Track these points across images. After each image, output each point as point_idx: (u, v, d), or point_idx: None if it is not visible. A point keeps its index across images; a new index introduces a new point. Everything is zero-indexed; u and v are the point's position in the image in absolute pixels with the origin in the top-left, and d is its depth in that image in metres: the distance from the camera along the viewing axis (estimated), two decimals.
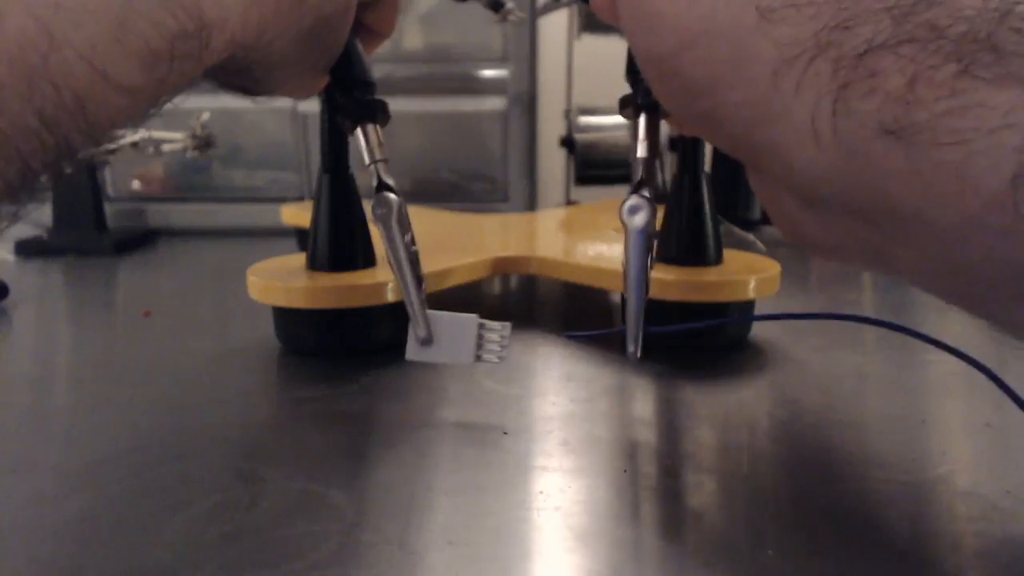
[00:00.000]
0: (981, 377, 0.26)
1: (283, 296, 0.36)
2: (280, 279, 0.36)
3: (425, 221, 0.60)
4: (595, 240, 0.49)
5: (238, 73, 0.25)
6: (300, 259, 0.39)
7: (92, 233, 0.70)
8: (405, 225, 0.29)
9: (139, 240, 0.74)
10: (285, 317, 0.38)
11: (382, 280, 0.36)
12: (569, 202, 0.90)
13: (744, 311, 0.38)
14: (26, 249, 0.67)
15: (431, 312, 0.29)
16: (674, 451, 0.26)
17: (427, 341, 0.29)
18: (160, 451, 0.27)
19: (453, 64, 0.84)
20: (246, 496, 0.23)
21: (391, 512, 0.22)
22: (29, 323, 0.47)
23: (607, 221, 0.58)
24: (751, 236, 0.69)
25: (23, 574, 0.20)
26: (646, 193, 0.24)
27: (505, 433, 0.28)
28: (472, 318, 0.30)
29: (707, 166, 0.40)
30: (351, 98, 0.29)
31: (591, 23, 0.84)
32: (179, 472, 0.25)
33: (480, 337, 0.30)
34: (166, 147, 0.73)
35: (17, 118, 0.17)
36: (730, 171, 0.82)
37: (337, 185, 0.38)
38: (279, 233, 0.68)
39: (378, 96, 0.30)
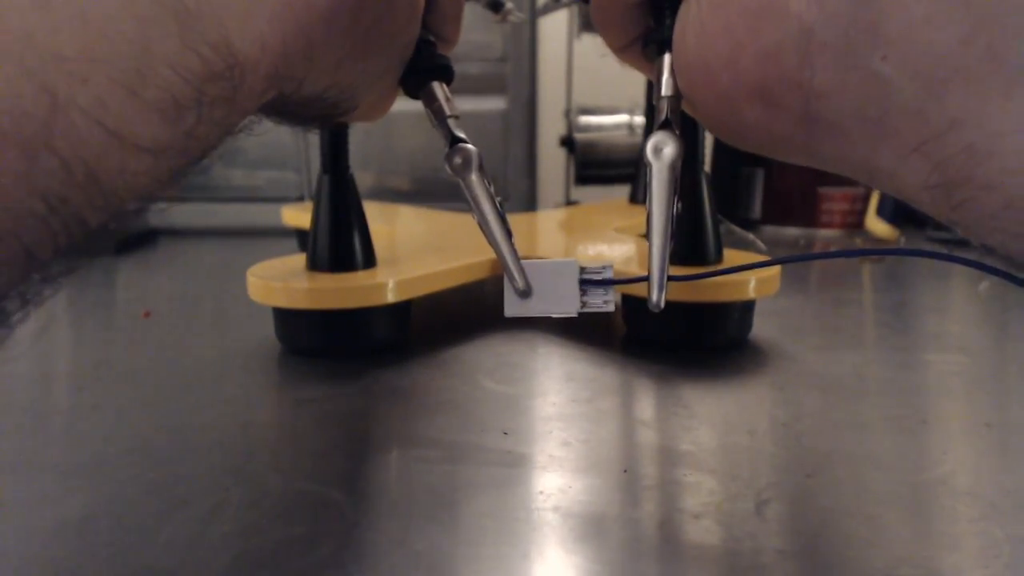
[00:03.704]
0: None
1: (283, 296, 0.36)
2: (280, 279, 0.36)
3: (425, 221, 0.60)
4: (595, 240, 0.49)
5: (305, 104, 0.22)
6: (300, 259, 0.39)
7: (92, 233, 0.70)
8: (487, 176, 0.27)
9: (139, 240, 0.74)
10: (285, 317, 0.38)
11: (382, 280, 0.36)
12: (569, 202, 0.90)
13: (745, 311, 0.38)
14: None
15: (526, 262, 0.27)
16: (674, 451, 0.26)
17: (526, 293, 0.27)
18: (160, 451, 0.27)
19: (453, 64, 0.84)
20: (246, 496, 0.23)
21: (391, 512, 0.22)
22: (29, 323, 0.47)
23: (607, 221, 0.58)
24: (751, 236, 0.69)
25: (23, 574, 0.20)
26: (672, 130, 0.23)
27: (505, 433, 0.28)
28: (572, 263, 0.27)
29: (707, 166, 0.40)
30: (413, 58, 0.28)
31: (591, 23, 0.84)
32: (179, 472, 0.25)
33: (583, 282, 0.27)
34: None
35: (16, 205, 0.14)
36: (730, 171, 0.82)
37: (337, 185, 0.38)
38: (279, 233, 0.68)
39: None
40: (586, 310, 0.27)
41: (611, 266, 0.27)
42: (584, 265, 0.27)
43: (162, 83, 0.16)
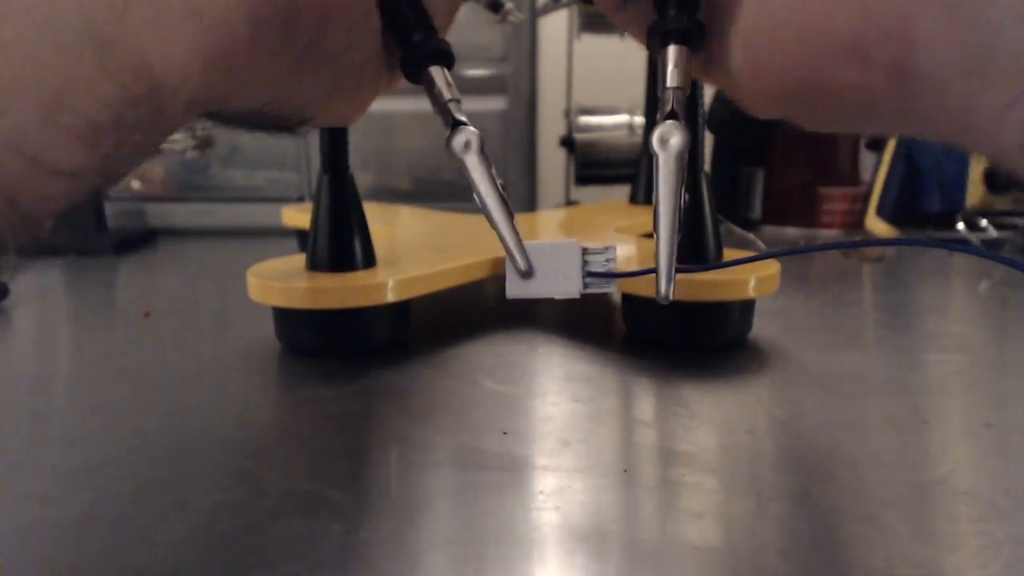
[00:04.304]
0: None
1: (283, 296, 0.36)
2: (280, 279, 0.36)
3: (425, 221, 0.60)
4: (595, 240, 0.49)
5: (244, 119, 0.22)
6: (300, 259, 0.39)
7: (92, 233, 0.70)
8: (488, 159, 0.26)
9: (139, 240, 0.74)
10: (285, 317, 0.38)
11: (382, 280, 0.36)
12: (569, 202, 0.90)
13: (745, 310, 0.38)
14: (26, 249, 0.67)
15: (528, 243, 0.27)
16: (674, 451, 0.26)
17: (527, 274, 0.27)
18: (160, 451, 0.27)
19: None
20: (246, 496, 0.23)
21: (391, 512, 0.22)
22: (29, 323, 0.47)
23: (607, 221, 0.58)
24: (751, 236, 0.69)
25: (23, 574, 0.20)
26: (678, 121, 0.23)
27: (505, 433, 0.28)
28: (572, 244, 0.27)
29: (707, 166, 0.40)
30: (411, 44, 0.27)
31: (591, 23, 0.84)
32: (179, 472, 0.25)
33: (585, 264, 0.27)
34: (166, 147, 0.73)
35: None
36: (730, 171, 0.82)
37: (337, 185, 0.38)
38: (279, 233, 0.68)
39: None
40: (588, 291, 0.27)
41: (614, 247, 0.27)
42: (586, 246, 0.27)
43: (81, 110, 0.16)
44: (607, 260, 0.27)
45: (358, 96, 0.26)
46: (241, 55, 0.18)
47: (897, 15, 0.17)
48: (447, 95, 0.26)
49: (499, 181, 0.27)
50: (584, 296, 0.26)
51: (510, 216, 0.26)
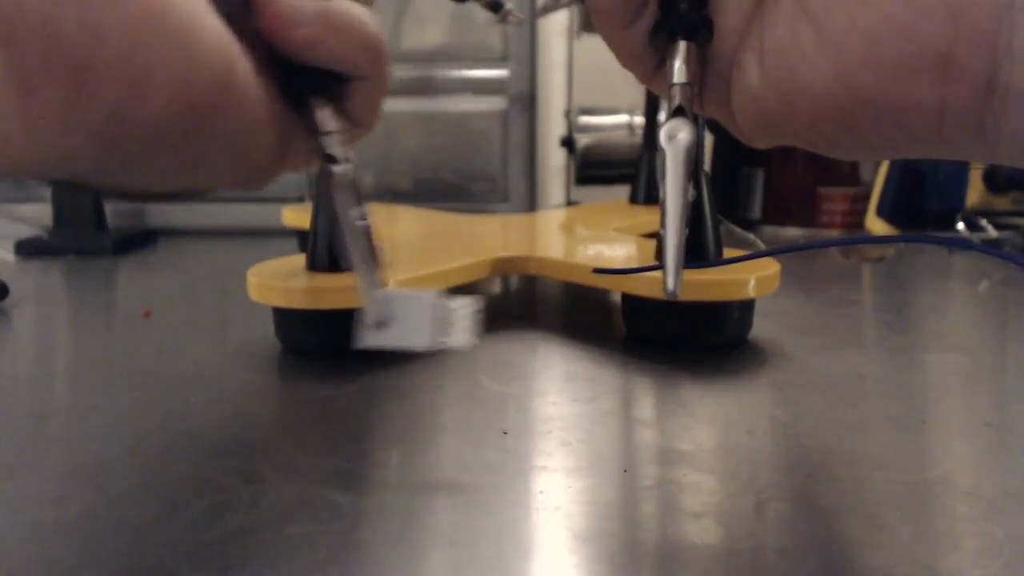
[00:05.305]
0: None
1: (283, 296, 0.36)
2: (280, 280, 0.36)
3: (425, 221, 0.60)
4: (595, 240, 0.49)
5: (114, 192, 0.21)
6: (300, 259, 0.39)
7: (92, 233, 0.70)
8: (356, 195, 0.26)
9: (139, 240, 0.74)
10: (285, 317, 0.38)
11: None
12: (569, 202, 0.90)
13: (744, 310, 0.38)
14: (26, 249, 0.67)
15: (385, 290, 0.26)
16: (674, 451, 0.26)
17: (382, 324, 0.26)
18: (160, 451, 0.27)
19: (453, 64, 0.84)
20: (246, 496, 0.23)
21: (391, 512, 0.22)
22: (29, 323, 0.47)
23: (607, 221, 0.58)
24: (751, 236, 0.69)
25: (23, 574, 0.20)
26: (686, 117, 0.22)
27: (505, 433, 0.28)
28: (429, 294, 0.27)
29: (707, 166, 0.40)
30: (296, 71, 0.27)
31: (591, 23, 0.84)
32: (179, 472, 0.25)
33: (445, 317, 0.26)
34: None
35: None
36: (730, 171, 0.82)
37: None
38: (279, 233, 0.68)
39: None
40: (438, 346, 0.26)
41: (475, 302, 0.26)
42: (441, 300, 0.27)
43: None
44: (469, 314, 0.27)
45: (258, 175, 0.25)
46: (15, 132, 0.17)
47: (994, 23, 0.16)
48: (327, 127, 0.26)
49: (365, 222, 0.26)
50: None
51: (373, 261, 0.26)
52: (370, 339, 0.26)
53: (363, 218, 0.26)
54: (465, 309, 0.27)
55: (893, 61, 0.17)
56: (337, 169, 0.26)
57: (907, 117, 0.18)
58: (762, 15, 0.21)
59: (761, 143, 0.23)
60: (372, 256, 0.26)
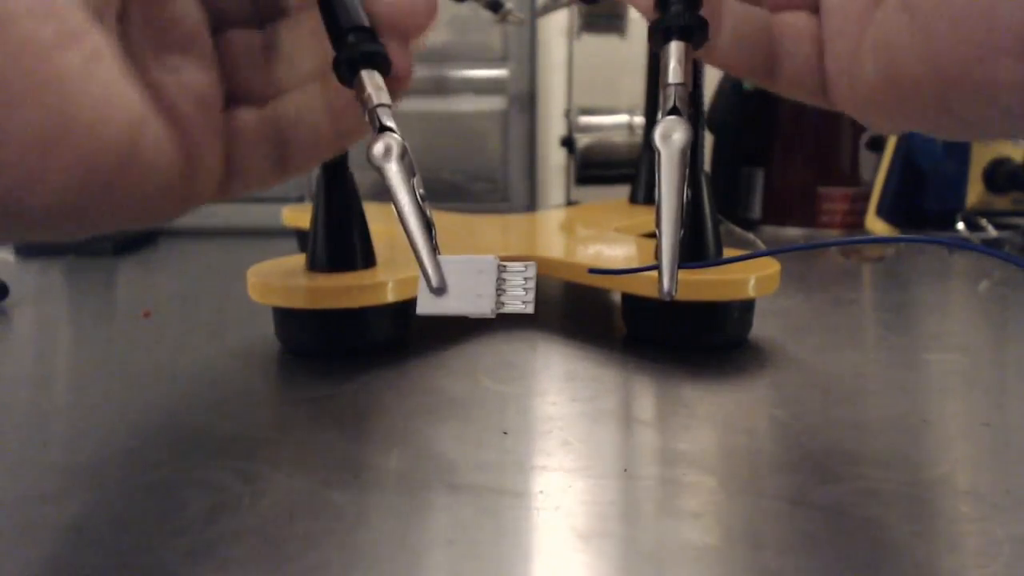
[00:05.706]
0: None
1: (283, 296, 0.36)
2: (280, 279, 0.36)
3: None
4: (595, 240, 0.49)
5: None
6: (300, 259, 0.39)
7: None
8: (409, 168, 0.26)
9: (139, 240, 0.74)
10: (285, 317, 0.38)
11: (382, 280, 0.36)
12: (569, 202, 0.91)
13: (744, 310, 0.38)
14: (26, 249, 0.67)
15: (442, 257, 0.26)
16: (674, 451, 0.26)
17: (440, 290, 0.26)
18: (160, 451, 0.27)
19: (453, 64, 0.84)
20: (246, 496, 0.23)
21: (391, 512, 0.22)
22: (29, 323, 0.47)
23: (607, 221, 0.58)
24: (751, 236, 0.69)
25: (23, 574, 0.20)
26: (681, 117, 0.22)
27: (505, 433, 0.28)
28: (491, 260, 0.26)
29: (707, 166, 0.40)
30: (345, 46, 0.27)
31: (591, 23, 0.84)
32: (179, 472, 0.25)
33: (502, 281, 0.26)
34: None
35: None
36: (730, 171, 0.82)
37: (337, 185, 0.38)
38: (279, 233, 0.68)
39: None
40: (503, 311, 0.26)
41: (534, 264, 0.26)
42: (505, 263, 0.26)
43: None
44: (526, 279, 0.26)
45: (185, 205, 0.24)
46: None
47: None
48: (375, 100, 0.26)
49: (420, 192, 0.26)
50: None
51: (427, 229, 0.26)
52: (429, 306, 0.26)
53: (419, 186, 0.26)
54: (524, 273, 0.26)
55: (975, 44, 0.18)
56: (396, 139, 0.25)
57: (997, 96, 0.19)
58: (872, 11, 0.22)
59: (888, 131, 0.24)
60: (427, 224, 0.26)
